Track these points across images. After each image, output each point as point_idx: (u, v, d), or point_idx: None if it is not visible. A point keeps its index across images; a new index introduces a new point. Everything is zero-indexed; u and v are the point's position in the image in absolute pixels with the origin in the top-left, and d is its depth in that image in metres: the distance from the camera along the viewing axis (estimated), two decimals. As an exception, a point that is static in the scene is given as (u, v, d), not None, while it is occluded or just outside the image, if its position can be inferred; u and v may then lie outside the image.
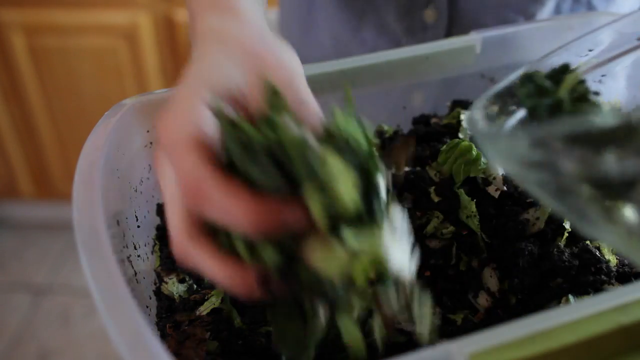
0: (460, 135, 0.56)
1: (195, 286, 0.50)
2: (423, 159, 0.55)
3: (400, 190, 0.52)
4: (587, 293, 0.44)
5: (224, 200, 0.33)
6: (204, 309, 0.47)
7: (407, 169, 0.53)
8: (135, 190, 0.52)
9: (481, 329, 0.33)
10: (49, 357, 1.74)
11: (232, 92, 0.38)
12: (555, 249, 0.46)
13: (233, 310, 0.46)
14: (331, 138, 0.33)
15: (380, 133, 0.61)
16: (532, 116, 0.38)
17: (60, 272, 2.00)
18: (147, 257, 0.52)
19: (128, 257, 0.47)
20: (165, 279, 0.50)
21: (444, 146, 0.51)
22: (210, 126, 0.35)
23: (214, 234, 0.35)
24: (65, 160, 1.94)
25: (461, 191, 0.49)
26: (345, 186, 0.31)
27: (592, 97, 0.39)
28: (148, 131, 0.52)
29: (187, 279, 0.50)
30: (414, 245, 0.36)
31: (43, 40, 1.72)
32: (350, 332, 0.36)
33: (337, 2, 0.77)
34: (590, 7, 0.77)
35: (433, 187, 0.51)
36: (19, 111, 1.84)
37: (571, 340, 0.33)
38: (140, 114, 0.51)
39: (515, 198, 0.49)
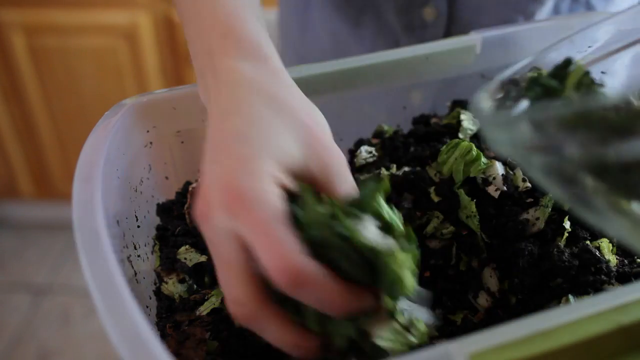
0: (460, 135, 0.56)
1: (195, 286, 0.50)
2: (423, 159, 0.55)
3: (400, 190, 0.52)
4: (587, 293, 0.44)
5: (323, 288, 0.34)
6: (204, 309, 0.47)
7: (406, 169, 0.53)
8: (135, 190, 0.52)
9: (481, 329, 0.33)
10: (49, 357, 1.74)
11: (294, 171, 0.38)
12: (555, 249, 0.46)
13: (233, 310, 0.46)
14: (389, 230, 0.38)
15: (380, 133, 0.61)
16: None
17: (60, 272, 2.00)
18: (147, 257, 0.52)
19: (128, 257, 0.47)
20: (165, 279, 0.50)
21: (444, 146, 0.51)
22: (283, 205, 0.36)
23: (279, 300, 0.37)
24: (65, 160, 1.94)
25: (461, 191, 0.49)
26: (408, 275, 0.36)
27: (598, 89, 0.39)
28: (148, 131, 0.52)
29: (187, 279, 0.50)
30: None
31: (43, 40, 1.72)
32: None
33: None
34: (589, 7, 0.77)
35: (433, 187, 0.51)
36: (19, 111, 1.84)
37: (571, 340, 0.33)
38: (140, 114, 0.51)
39: (515, 198, 0.49)
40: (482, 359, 0.32)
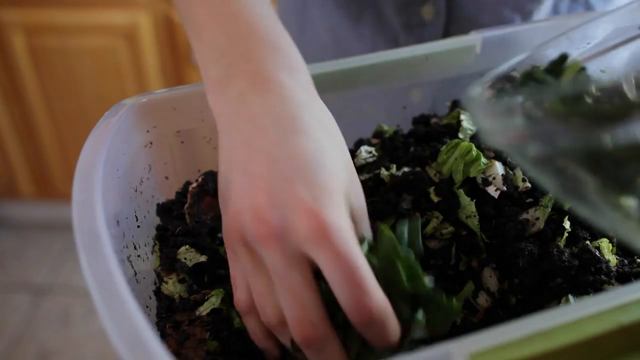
0: (460, 136, 0.56)
1: (195, 286, 0.50)
2: (423, 159, 0.55)
3: (400, 191, 0.52)
4: (587, 293, 0.44)
5: (389, 327, 0.37)
6: (204, 309, 0.47)
7: (406, 169, 0.53)
8: (135, 190, 0.52)
9: (481, 329, 0.33)
10: (49, 357, 1.74)
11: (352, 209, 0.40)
12: (555, 249, 0.46)
13: (233, 310, 0.46)
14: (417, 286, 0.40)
15: (380, 133, 0.61)
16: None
17: (60, 272, 2.00)
18: (147, 257, 0.52)
19: (128, 257, 0.47)
20: (165, 279, 0.49)
21: (444, 146, 0.51)
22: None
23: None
24: (65, 160, 1.94)
25: (461, 191, 0.49)
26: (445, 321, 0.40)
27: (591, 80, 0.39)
28: (148, 131, 0.52)
29: (187, 279, 0.50)
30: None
31: (43, 40, 1.72)
32: None
33: None
34: (588, 7, 0.77)
35: (433, 188, 0.51)
36: (19, 111, 1.84)
37: (571, 340, 0.33)
38: (140, 114, 0.51)
39: (515, 198, 0.49)
40: (482, 359, 0.32)
